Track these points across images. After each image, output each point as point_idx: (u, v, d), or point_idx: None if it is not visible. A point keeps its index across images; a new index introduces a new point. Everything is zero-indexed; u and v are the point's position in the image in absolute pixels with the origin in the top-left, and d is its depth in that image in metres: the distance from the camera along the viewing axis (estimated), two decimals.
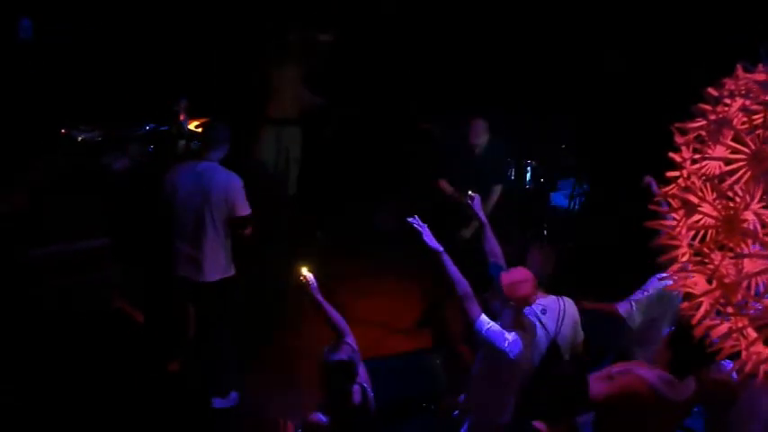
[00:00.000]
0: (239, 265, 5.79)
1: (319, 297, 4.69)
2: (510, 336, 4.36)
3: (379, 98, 9.02)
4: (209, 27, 8.58)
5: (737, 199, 2.49)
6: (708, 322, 2.60)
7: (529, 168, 8.69)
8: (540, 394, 4.36)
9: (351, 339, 4.53)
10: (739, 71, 2.75)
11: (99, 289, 5.95)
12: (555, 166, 8.88)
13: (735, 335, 2.56)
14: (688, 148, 2.76)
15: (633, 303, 5.19)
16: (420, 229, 4.59)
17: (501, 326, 4.41)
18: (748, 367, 2.55)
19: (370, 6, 8.96)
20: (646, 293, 5.18)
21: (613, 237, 7.10)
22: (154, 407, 5.18)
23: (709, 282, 2.65)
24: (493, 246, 5.05)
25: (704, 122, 2.71)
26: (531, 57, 8.54)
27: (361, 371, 4.39)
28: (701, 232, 2.68)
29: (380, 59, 8.84)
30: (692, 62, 6.63)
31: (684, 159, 2.74)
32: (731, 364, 2.90)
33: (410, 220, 4.62)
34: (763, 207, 2.44)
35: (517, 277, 4.50)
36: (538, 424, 4.02)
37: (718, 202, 2.58)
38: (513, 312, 4.45)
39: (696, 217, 2.64)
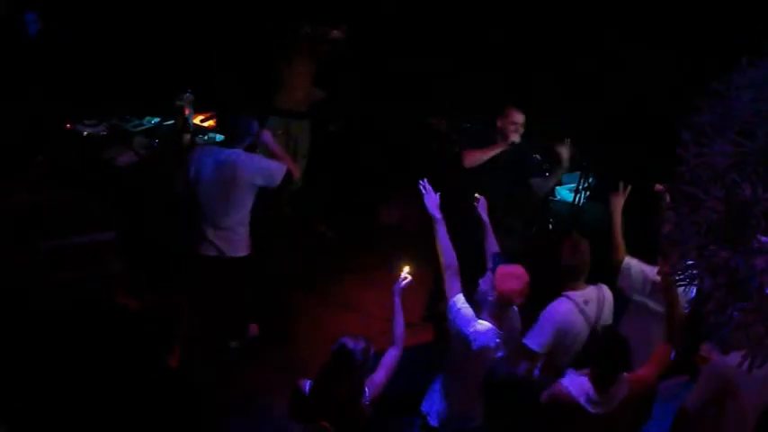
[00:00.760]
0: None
1: (397, 299, 4.73)
2: (480, 325, 4.42)
3: (385, 92, 8.98)
4: (217, 20, 8.55)
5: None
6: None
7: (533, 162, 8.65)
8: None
9: (395, 351, 4.56)
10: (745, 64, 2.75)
11: (102, 283, 5.96)
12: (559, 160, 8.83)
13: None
14: (694, 142, 2.76)
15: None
16: (424, 192, 4.76)
17: (484, 314, 4.49)
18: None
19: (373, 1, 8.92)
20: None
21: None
22: (155, 400, 5.18)
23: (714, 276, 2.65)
24: (492, 246, 5.14)
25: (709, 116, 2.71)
26: (533, 51, 8.52)
27: (376, 377, 4.39)
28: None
29: (385, 52, 8.81)
30: (701, 54, 6.61)
31: (690, 153, 2.74)
32: (738, 356, 2.91)
33: (421, 182, 4.80)
34: None
35: (510, 271, 4.56)
36: None
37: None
38: (494, 305, 4.49)
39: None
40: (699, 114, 2.87)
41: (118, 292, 5.81)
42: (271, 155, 6.30)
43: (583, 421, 4.25)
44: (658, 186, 5.25)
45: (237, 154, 5.94)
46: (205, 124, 8.10)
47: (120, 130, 7.78)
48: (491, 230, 5.26)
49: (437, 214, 4.72)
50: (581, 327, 5.00)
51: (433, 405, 4.77)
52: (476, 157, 6.50)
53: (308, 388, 4.25)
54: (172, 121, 7.85)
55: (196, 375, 5.34)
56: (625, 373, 4.32)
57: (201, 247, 6.00)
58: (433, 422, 4.74)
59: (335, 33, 7.77)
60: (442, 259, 4.61)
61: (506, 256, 4.98)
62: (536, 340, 4.97)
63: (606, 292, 5.17)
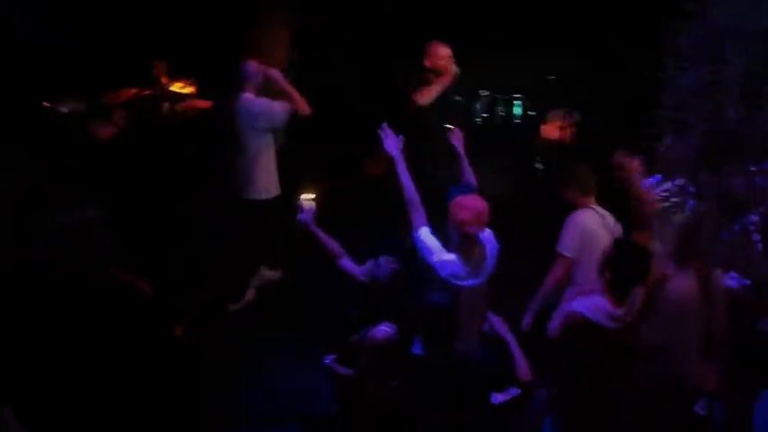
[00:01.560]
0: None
1: (313, 225, 5.01)
2: (446, 255, 4.54)
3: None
4: None
5: None
6: None
7: (517, 103, 8.66)
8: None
9: (347, 261, 4.75)
10: None
11: (94, 258, 5.94)
12: (543, 98, 8.85)
13: None
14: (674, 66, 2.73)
15: None
16: (385, 136, 4.90)
17: (452, 247, 4.57)
18: None
19: None
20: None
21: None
22: (160, 372, 5.22)
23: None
24: (469, 177, 5.32)
25: None
26: None
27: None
28: None
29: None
30: None
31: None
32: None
33: (381, 127, 4.93)
34: None
35: (463, 202, 4.61)
36: None
37: None
38: (457, 235, 4.58)
39: None
40: (677, 36, 2.84)
41: (111, 266, 5.79)
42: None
43: (603, 340, 4.21)
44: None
45: (239, 99, 6.32)
46: (184, 91, 8.01)
47: (98, 105, 7.68)
48: (467, 162, 5.42)
49: (395, 152, 4.82)
50: (603, 235, 5.17)
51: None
52: (430, 93, 6.53)
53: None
54: (150, 92, 7.77)
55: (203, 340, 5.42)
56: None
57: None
58: (416, 351, 4.81)
59: None
60: (404, 195, 4.71)
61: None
62: (563, 243, 5.30)
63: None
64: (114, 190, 6.60)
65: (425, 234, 4.61)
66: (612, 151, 4.84)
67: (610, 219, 5.32)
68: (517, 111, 8.74)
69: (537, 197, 7.48)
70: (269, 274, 6.72)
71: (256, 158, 6.40)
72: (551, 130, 8.68)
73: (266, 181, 6.50)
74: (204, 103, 7.89)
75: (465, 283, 4.57)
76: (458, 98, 7.34)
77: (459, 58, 6.67)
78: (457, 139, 5.60)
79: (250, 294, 6.63)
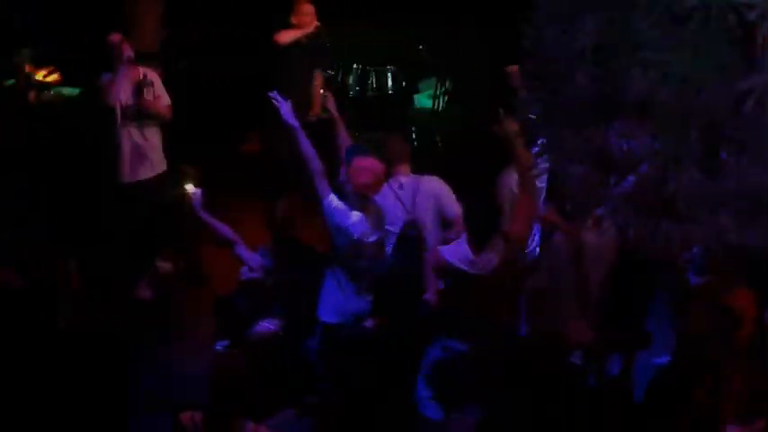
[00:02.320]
0: None
1: (203, 212, 4.95)
2: (354, 215, 4.72)
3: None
4: None
5: None
6: None
7: (389, 74, 8.78)
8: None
9: (242, 248, 4.70)
10: None
11: None
12: (415, 69, 9.00)
13: None
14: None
15: None
16: (279, 105, 4.89)
17: (347, 206, 4.74)
18: None
19: None
20: None
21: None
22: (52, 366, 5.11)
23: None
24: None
25: None
26: None
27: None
28: None
29: None
30: None
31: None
32: None
33: (270, 94, 4.93)
34: None
35: (362, 164, 4.79)
36: None
37: None
38: (355, 195, 4.77)
39: None
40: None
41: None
42: None
43: (467, 284, 4.59)
44: (511, 68, 5.30)
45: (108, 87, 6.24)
46: (48, 79, 7.76)
47: None
48: (344, 128, 5.51)
49: (295, 123, 4.84)
50: (394, 209, 5.31)
51: (327, 307, 5.00)
52: (288, 34, 7.15)
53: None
54: (12, 81, 7.50)
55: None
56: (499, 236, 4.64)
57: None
58: (330, 319, 4.96)
59: None
60: (308, 167, 4.77)
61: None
62: None
63: (426, 183, 5.47)
64: None
65: (335, 201, 4.73)
66: (488, 118, 4.86)
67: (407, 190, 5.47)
68: (389, 82, 8.86)
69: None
70: (163, 265, 6.62)
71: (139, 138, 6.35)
72: (424, 99, 8.86)
73: (155, 157, 6.47)
74: (71, 91, 7.68)
75: (371, 239, 4.79)
76: (330, 72, 7.46)
77: (330, 32, 6.90)
78: (331, 104, 5.67)
79: (143, 288, 6.53)
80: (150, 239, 6.50)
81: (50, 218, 6.35)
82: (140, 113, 6.33)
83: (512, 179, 5.35)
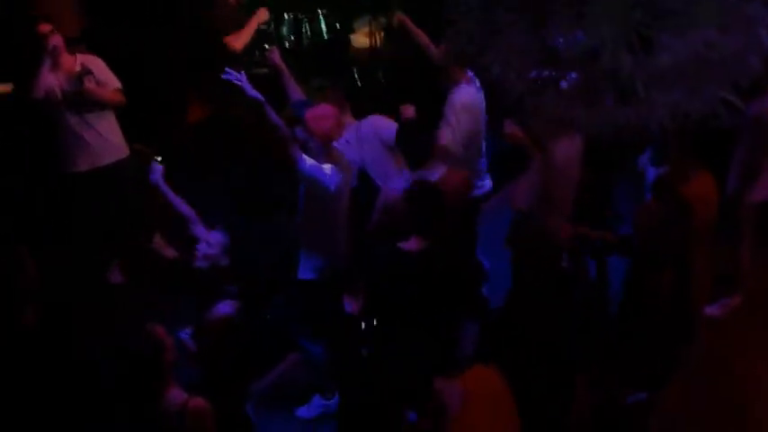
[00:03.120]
0: None
1: (164, 186, 4.98)
2: (326, 168, 4.89)
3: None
4: None
5: None
6: None
7: (322, 19, 8.65)
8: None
9: (200, 228, 4.70)
10: None
11: None
12: (347, 10, 8.87)
13: None
14: None
15: None
16: (239, 82, 4.95)
17: (317, 161, 4.88)
18: None
19: None
20: None
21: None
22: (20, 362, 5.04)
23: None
24: (294, 94, 5.64)
25: None
26: None
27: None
28: None
29: None
30: None
31: None
32: None
33: (226, 76, 4.97)
34: None
35: (319, 113, 4.95)
36: None
37: None
38: (320, 147, 4.91)
39: None
40: None
41: None
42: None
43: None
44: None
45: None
46: None
47: None
48: (292, 79, 5.70)
49: (259, 96, 4.88)
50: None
51: (306, 266, 5.14)
52: (242, 37, 7.02)
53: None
54: None
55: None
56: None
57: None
58: (310, 276, 5.12)
59: None
60: (278, 133, 4.84)
61: None
62: None
63: (365, 126, 5.77)
64: None
65: (308, 160, 4.83)
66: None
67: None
68: (323, 27, 8.74)
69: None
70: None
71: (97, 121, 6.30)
72: (361, 38, 8.74)
73: (105, 143, 6.39)
74: (4, 88, 7.45)
75: (346, 188, 5.04)
76: (263, 26, 7.36)
77: None
78: (275, 57, 5.81)
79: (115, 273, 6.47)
80: (118, 225, 6.45)
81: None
82: (84, 102, 6.21)
83: None
